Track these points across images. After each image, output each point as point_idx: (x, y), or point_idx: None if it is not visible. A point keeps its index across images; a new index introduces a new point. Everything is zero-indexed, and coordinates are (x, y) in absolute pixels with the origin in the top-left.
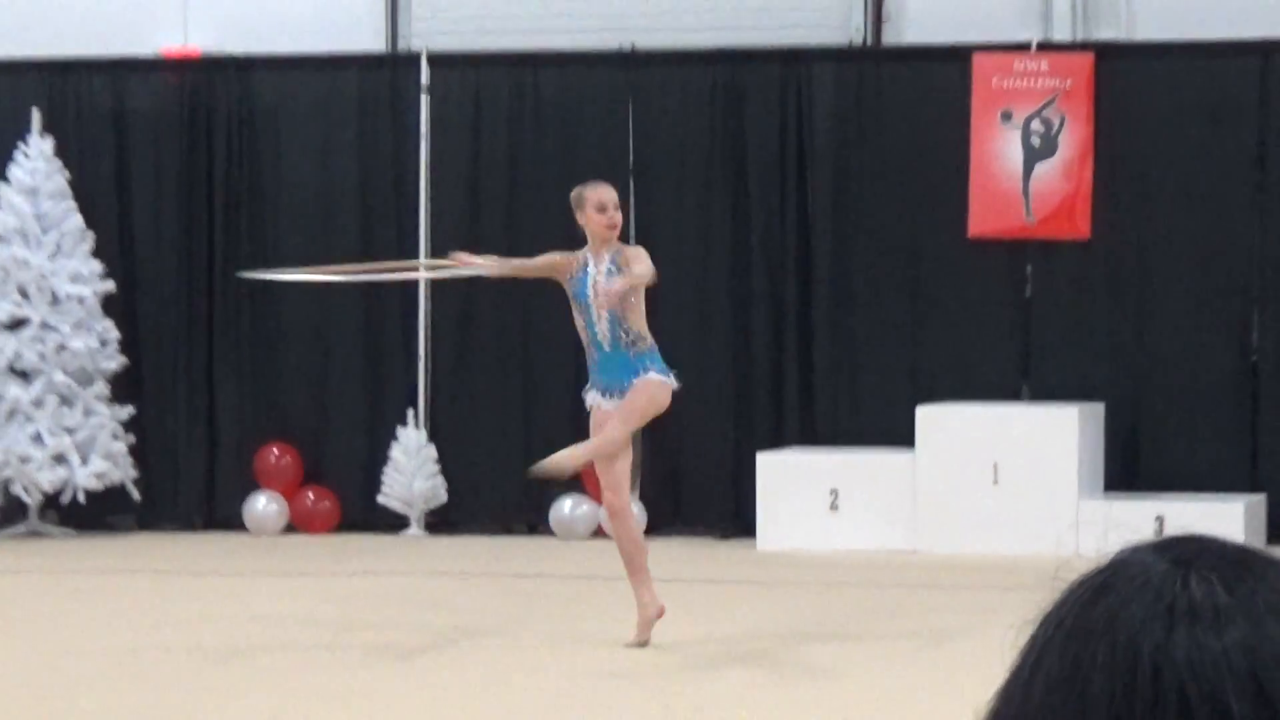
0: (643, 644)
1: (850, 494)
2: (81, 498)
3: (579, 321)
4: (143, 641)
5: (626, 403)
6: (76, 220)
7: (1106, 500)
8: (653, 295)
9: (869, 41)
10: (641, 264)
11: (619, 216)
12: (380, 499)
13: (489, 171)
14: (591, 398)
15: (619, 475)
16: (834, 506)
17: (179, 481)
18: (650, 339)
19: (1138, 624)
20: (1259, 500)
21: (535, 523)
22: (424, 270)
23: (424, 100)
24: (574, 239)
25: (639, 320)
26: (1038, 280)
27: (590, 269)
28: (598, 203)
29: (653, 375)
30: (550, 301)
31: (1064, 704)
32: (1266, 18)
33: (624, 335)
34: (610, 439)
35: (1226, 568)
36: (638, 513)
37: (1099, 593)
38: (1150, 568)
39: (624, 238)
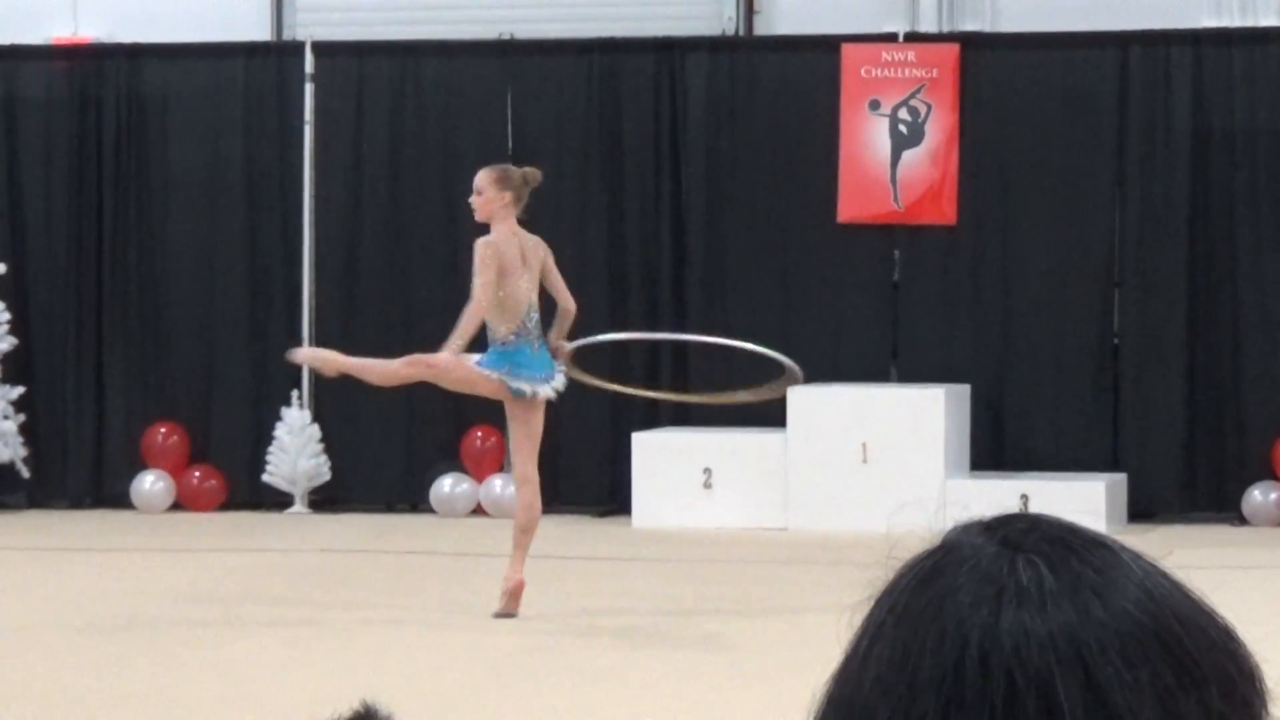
0: (502, 615)
1: (723, 473)
2: None
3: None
4: (32, 617)
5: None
6: None
7: (972, 479)
8: None
9: (741, 32)
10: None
11: (475, 200)
12: (265, 477)
13: (372, 158)
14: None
15: (529, 449)
16: (707, 485)
17: (68, 460)
18: (496, 336)
19: (966, 609)
20: (1120, 479)
21: (416, 501)
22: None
23: (308, 89)
24: (454, 225)
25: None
26: (906, 264)
27: None
28: None
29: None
30: (433, 281)
31: (895, 688)
32: (1125, 11)
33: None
34: (380, 365)
35: (1052, 549)
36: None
37: (929, 576)
38: (979, 550)
39: None
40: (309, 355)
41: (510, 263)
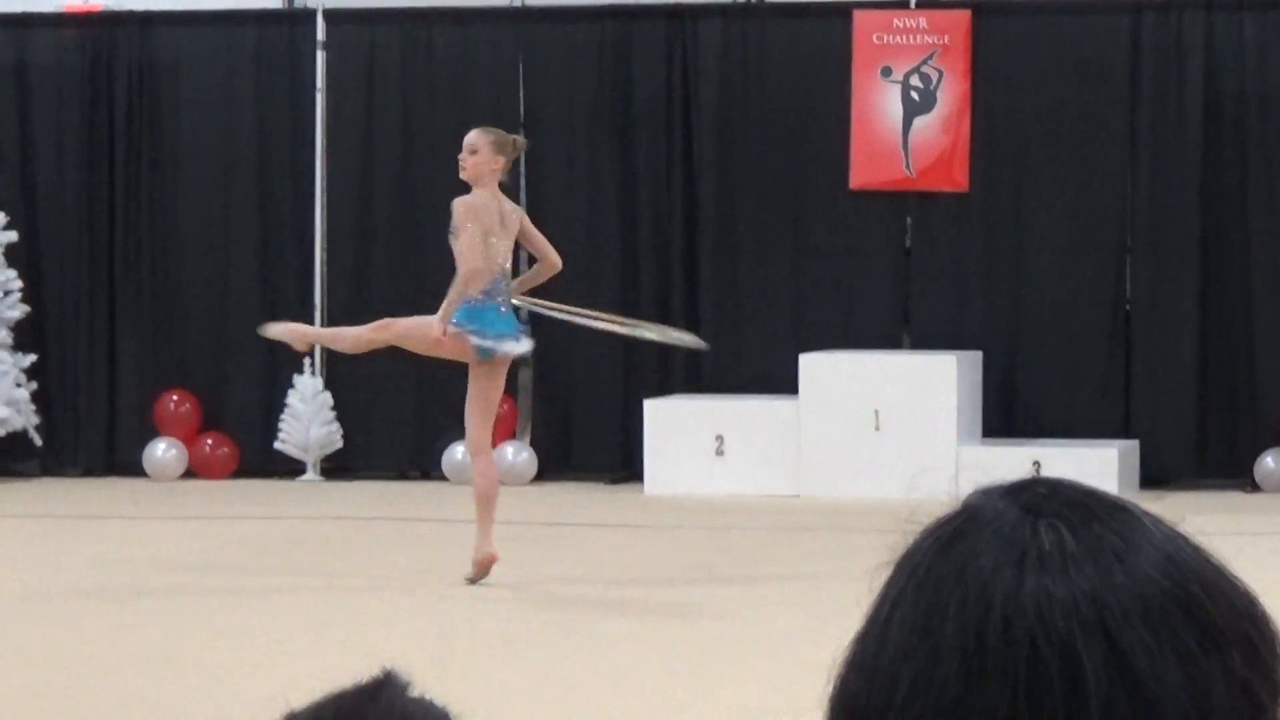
0: (473, 581)
1: (735, 440)
2: None
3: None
4: (44, 584)
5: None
6: None
7: (984, 446)
8: None
9: None
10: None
11: (467, 160)
12: (278, 445)
13: (384, 125)
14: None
15: (484, 413)
16: (719, 452)
17: (80, 428)
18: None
19: (988, 574)
20: (1132, 446)
21: (428, 468)
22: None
23: (320, 56)
24: (466, 192)
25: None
26: (918, 231)
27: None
28: None
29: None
30: (445, 249)
31: (918, 652)
32: None
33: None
34: (349, 332)
35: (1074, 514)
36: (528, 459)
37: (951, 541)
38: (1001, 515)
39: (514, 189)
40: (280, 330)
41: (490, 225)
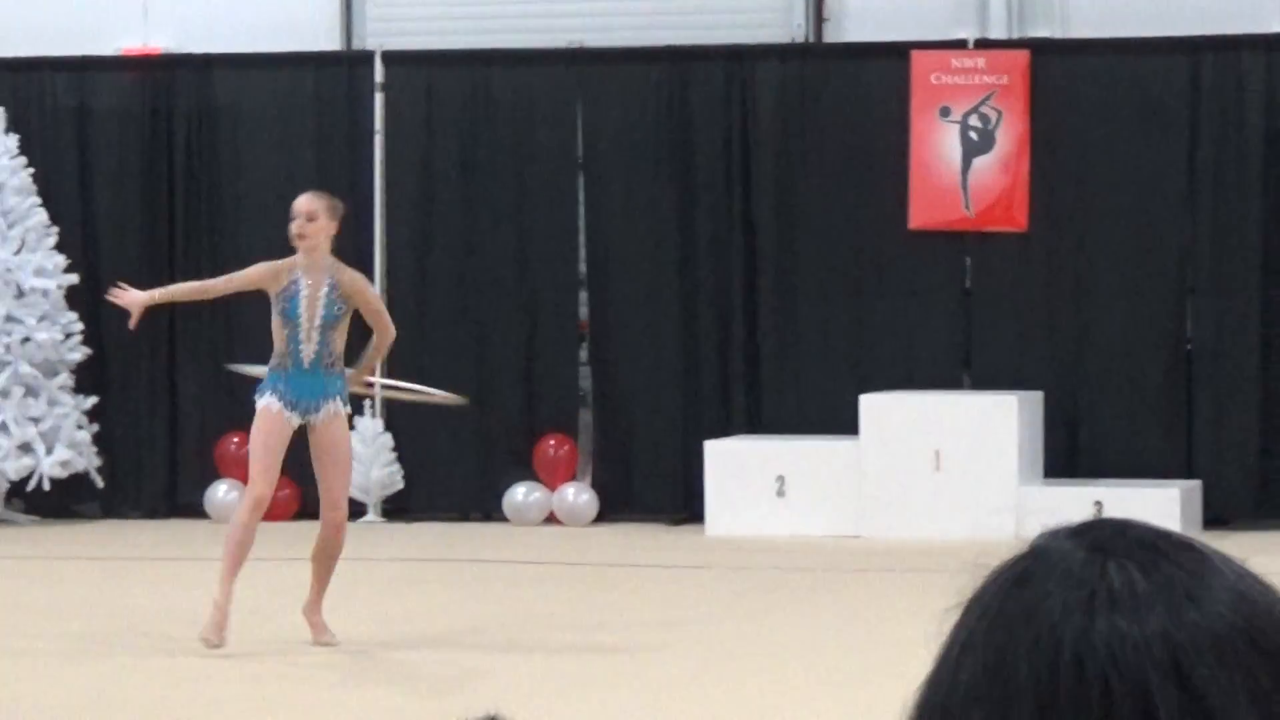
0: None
1: (796, 481)
2: (47, 486)
3: (282, 333)
4: (107, 626)
5: (343, 457)
6: (41, 215)
7: (1045, 486)
8: (603, 288)
9: (810, 39)
10: (382, 321)
11: (308, 228)
12: None
13: (442, 167)
14: (272, 403)
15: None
16: (780, 493)
17: (142, 470)
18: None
19: (1059, 614)
20: (1194, 486)
21: (490, 509)
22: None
23: (378, 98)
24: (524, 233)
25: (343, 343)
26: (977, 271)
27: (303, 285)
28: (292, 212)
29: (343, 411)
30: (504, 288)
31: (990, 693)
32: (1196, 16)
33: (327, 357)
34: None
35: (1143, 553)
36: (589, 500)
37: (1020, 582)
38: (1069, 555)
39: (573, 231)
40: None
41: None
